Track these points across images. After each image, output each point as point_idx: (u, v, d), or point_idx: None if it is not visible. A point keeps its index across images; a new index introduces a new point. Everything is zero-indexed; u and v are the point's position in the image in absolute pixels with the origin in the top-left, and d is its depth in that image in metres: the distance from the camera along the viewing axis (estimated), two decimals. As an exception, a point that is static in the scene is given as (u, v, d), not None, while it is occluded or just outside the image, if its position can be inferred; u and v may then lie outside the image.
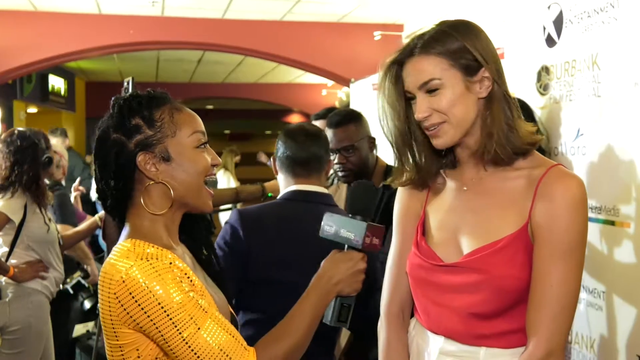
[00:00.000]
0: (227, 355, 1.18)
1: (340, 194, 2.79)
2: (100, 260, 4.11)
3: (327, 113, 3.33)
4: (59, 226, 3.46)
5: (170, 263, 1.20)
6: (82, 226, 3.59)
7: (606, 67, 2.13)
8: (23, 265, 3.04)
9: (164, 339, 1.17)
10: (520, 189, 1.35)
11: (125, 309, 1.16)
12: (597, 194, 2.16)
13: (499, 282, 1.31)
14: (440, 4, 5.46)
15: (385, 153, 2.68)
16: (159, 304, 1.15)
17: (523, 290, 1.32)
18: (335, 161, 2.52)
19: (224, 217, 6.87)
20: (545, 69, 2.48)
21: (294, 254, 1.90)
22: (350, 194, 1.41)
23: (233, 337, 1.21)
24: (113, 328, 1.20)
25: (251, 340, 1.26)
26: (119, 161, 1.26)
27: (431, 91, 1.35)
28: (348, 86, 6.14)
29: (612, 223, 2.11)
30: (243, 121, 15.07)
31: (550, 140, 2.44)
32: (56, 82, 9.23)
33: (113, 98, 1.32)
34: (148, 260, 1.18)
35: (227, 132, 15.45)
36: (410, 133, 1.44)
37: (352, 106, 5.32)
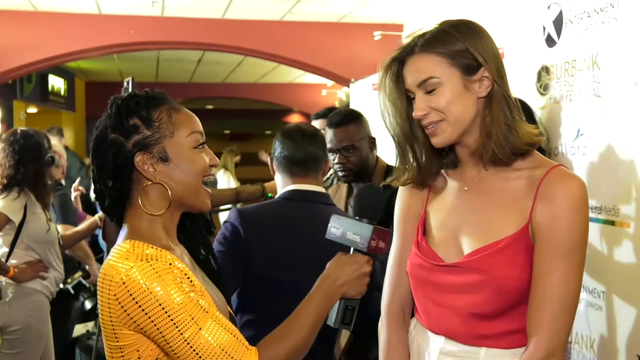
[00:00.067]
0: (229, 355, 1.18)
1: (340, 194, 2.78)
2: (99, 260, 4.10)
3: (327, 113, 3.33)
4: (60, 226, 3.47)
5: (170, 264, 1.20)
6: (82, 226, 3.58)
7: (606, 67, 2.13)
8: (23, 266, 3.04)
9: (166, 340, 1.16)
10: (521, 189, 1.35)
11: (125, 311, 1.16)
12: (597, 194, 2.16)
13: (499, 282, 1.31)
14: (440, 4, 5.45)
15: (386, 153, 2.69)
16: (160, 304, 1.15)
17: (523, 291, 1.31)
18: (336, 161, 2.51)
19: (224, 217, 6.85)
20: (545, 69, 2.48)
21: (292, 253, 1.91)
22: (357, 197, 1.41)
23: (235, 336, 1.21)
24: (113, 329, 1.19)
25: (252, 341, 1.25)
26: (116, 161, 1.26)
27: (430, 90, 1.35)
28: (348, 86, 6.13)
29: (612, 223, 2.11)
30: (243, 121, 15.07)
31: (551, 140, 2.44)
32: (56, 82, 9.23)
33: (111, 98, 1.32)
34: (148, 262, 1.18)
35: (227, 132, 15.46)
36: (411, 132, 1.44)
37: (352, 106, 5.30)
